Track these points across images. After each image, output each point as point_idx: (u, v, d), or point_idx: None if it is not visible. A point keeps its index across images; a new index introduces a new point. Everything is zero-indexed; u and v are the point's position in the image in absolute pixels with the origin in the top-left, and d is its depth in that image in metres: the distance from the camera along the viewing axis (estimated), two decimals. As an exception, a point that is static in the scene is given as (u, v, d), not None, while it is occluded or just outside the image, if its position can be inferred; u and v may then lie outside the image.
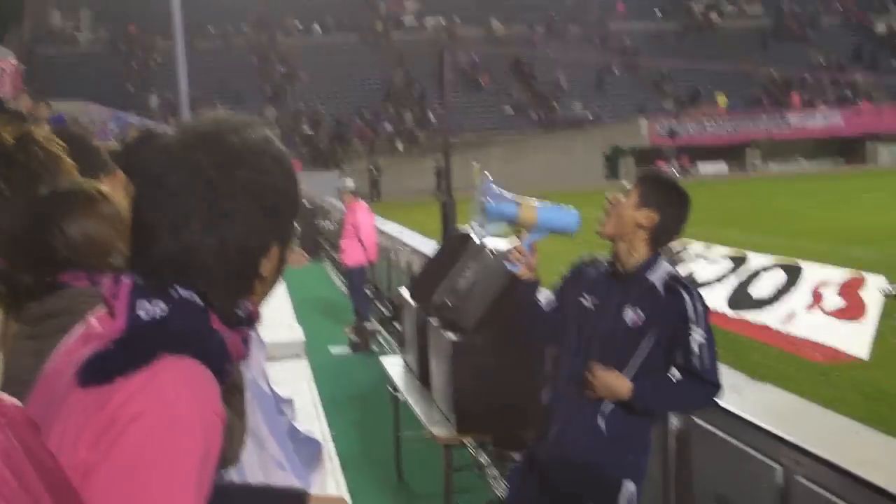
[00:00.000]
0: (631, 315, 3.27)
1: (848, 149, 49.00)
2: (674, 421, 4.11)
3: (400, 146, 45.32)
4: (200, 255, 1.38)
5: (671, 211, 3.32)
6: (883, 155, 49.13)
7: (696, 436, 4.01)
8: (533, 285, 3.47)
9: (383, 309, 12.55)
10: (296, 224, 1.54)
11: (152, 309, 1.34)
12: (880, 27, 56.70)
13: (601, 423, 3.32)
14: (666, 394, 3.28)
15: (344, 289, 14.00)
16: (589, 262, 3.57)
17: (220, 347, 1.39)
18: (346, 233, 11.76)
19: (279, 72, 49.63)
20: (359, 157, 43.14)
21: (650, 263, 3.32)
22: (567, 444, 3.40)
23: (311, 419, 8.06)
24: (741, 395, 3.98)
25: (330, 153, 43.50)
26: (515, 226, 3.38)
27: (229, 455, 1.71)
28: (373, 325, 11.80)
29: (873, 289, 11.50)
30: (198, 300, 1.37)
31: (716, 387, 3.25)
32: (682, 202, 3.36)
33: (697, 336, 3.18)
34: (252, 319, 1.48)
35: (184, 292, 1.37)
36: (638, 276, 3.31)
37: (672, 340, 3.24)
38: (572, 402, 3.40)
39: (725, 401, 3.88)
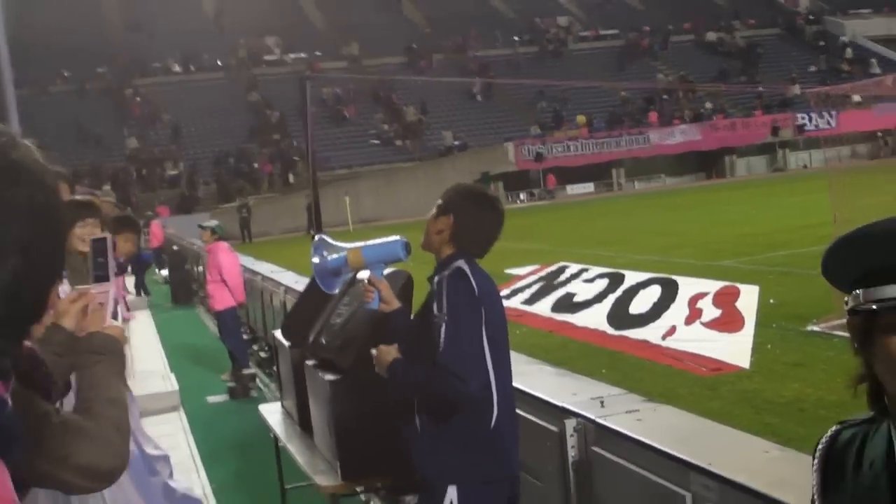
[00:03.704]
0: (434, 313, 3.40)
1: (707, 163, 50.70)
2: (571, 451, 3.91)
3: (270, 184, 44.77)
4: None
5: (468, 212, 3.45)
6: (740, 167, 51.07)
7: (597, 465, 3.82)
8: (400, 314, 3.62)
9: (260, 352, 12.13)
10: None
11: None
12: (710, 36, 59.09)
13: (418, 420, 3.48)
14: (412, 374, 3.38)
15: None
16: None
17: (11, 423, 1.10)
18: (210, 276, 11.26)
19: (140, 112, 48.50)
20: (228, 198, 42.40)
21: (446, 263, 3.44)
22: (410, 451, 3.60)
23: (190, 473, 7.68)
24: (638, 417, 3.82)
25: (204, 195, 42.58)
26: (353, 272, 3.67)
27: None
28: (250, 369, 11.38)
29: (748, 299, 11.59)
30: None
31: (458, 378, 3.23)
32: (479, 203, 3.51)
33: (444, 327, 3.27)
34: (17, 367, 1.20)
35: None
36: (439, 278, 3.44)
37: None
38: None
39: (623, 425, 3.73)
